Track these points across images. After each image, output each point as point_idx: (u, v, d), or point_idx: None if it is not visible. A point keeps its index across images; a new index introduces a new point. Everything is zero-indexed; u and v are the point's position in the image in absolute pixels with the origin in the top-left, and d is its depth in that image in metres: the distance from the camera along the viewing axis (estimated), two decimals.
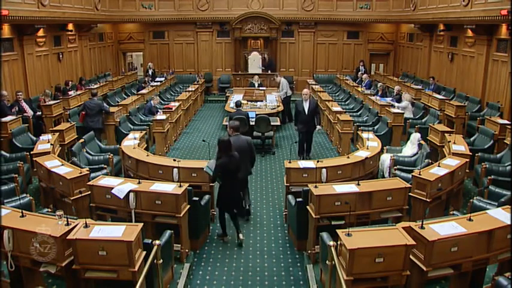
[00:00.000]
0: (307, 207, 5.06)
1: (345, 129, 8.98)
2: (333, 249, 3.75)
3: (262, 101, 11.99)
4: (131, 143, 7.17)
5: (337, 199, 4.87)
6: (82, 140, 7.47)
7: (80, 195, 5.23)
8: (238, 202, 5.68)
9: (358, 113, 11.11)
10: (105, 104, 9.81)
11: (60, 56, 12.10)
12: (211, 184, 6.11)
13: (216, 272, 5.04)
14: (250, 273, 5.03)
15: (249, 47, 16.37)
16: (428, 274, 3.76)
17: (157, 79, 14.86)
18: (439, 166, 5.80)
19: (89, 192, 5.25)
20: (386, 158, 7.16)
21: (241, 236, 5.66)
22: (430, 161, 6.52)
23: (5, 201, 5.26)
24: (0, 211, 3.84)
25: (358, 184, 5.13)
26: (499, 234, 3.91)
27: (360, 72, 15.01)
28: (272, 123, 9.42)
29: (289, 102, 12.22)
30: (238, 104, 9.63)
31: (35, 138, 8.06)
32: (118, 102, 11.41)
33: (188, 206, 5.10)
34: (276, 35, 15.98)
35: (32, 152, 6.73)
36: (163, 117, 9.33)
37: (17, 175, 6.21)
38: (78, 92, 11.33)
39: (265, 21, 15.59)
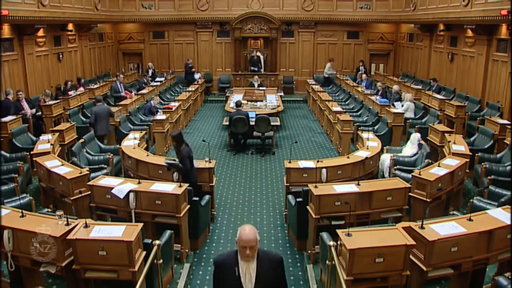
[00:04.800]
0: (307, 207, 5.05)
1: (345, 129, 8.98)
2: (333, 249, 3.75)
3: (262, 101, 12.00)
4: (131, 143, 7.18)
5: (337, 199, 4.87)
6: (82, 140, 7.47)
7: (80, 195, 5.23)
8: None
9: (358, 113, 11.11)
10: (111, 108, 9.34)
11: (60, 56, 12.10)
12: (211, 184, 6.14)
13: None
14: None
15: (249, 47, 16.37)
16: (428, 274, 3.76)
17: (157, 79, 14.86)
18: (439, 166, 5.80)
19: (89, 192, 5.25)
20: (386, 158, 7.16)
21: None
22: (430, 161, 6.53)
23: (5, 201, 5.26)
24: (0, 211, 3.84)
25: (358, 184, 5.13)
26: (499, 234, 3.91)
27: (359, 72, 15.01)
28: (272, 123, 9.41)
29: (330, 81, 15.56)
30: (238, 104, 9.64)
31: (35, 138, 8.06)
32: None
33: (188, 206, 5.11)
34: (276, 35, 15.97)
35: (32, 152, 6.73)
36: (163, 117, 9.33)
37: (17, 175, 6.22)
38: (78, 92, 11.33)
39: (265, 21, 15.59)
